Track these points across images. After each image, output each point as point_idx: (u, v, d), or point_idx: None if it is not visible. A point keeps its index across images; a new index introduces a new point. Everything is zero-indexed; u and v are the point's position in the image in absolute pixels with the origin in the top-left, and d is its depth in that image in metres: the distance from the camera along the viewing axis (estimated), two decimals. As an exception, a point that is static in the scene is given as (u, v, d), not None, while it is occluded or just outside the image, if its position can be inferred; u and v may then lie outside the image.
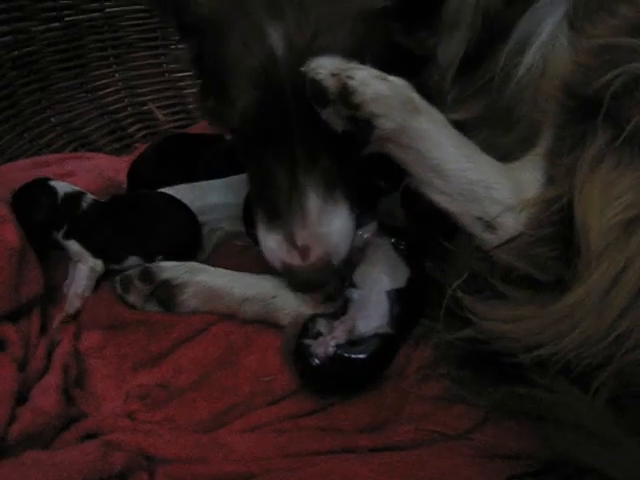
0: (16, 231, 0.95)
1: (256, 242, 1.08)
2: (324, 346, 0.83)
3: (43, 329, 0.95)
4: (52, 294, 1.01)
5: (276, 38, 0.80)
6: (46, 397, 0.81)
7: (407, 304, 0.90)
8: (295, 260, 0.86)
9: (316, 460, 0.78)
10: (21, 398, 0.81)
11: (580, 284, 0.70)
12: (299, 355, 0.86)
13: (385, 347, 0.87)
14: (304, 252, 0.86)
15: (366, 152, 0.82)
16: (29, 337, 0.91)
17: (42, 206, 1.04)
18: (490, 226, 0.77)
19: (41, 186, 1.07)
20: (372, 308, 0.88)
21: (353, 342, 0.85)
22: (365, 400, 0.86)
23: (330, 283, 0.92)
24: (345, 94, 0.74)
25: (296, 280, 0.90)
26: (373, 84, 0.75)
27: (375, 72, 0.76)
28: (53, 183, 1.08)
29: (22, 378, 0.83)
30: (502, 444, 0.77)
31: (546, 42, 0.85)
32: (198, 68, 0.97)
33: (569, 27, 0.81)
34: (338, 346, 0.83)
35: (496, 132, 0.88)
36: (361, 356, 0.84)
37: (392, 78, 0.77)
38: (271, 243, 0.89)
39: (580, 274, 0.70)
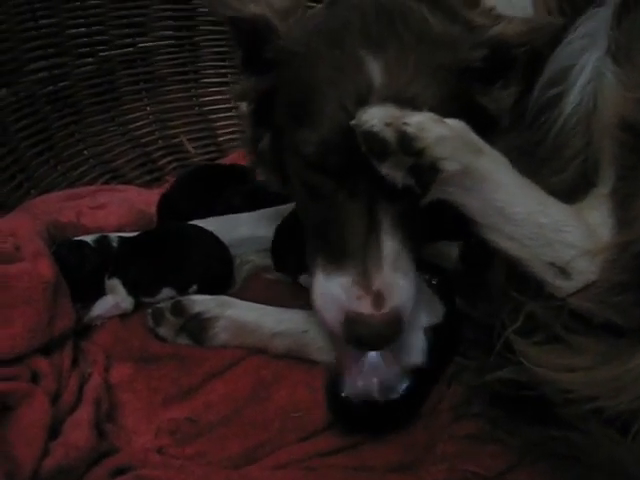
0: (50, 265, 0.96)
1: (287, 275, 1.10)
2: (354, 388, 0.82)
3: (75, 362, 0.95)
4: (83, 328, 1.01)
5: (375, 68, 0.77)
6: (78, 431, 0.81)
7: (444, 340, 0.88)
8: (366, 308, 0.75)
9: (347, 499, 0.77)
10: (53, 432, 0.81)
11: None
12: (330, 395, 0.85)
13: (421, 384, 0.85)
14: (378, 299, 0.75)
15: (425, 200, 0.76)
16: (61, 370, 0.91)
17: (86, 254, 1.06)
18: (564, 272, 0.74)
19: (70, 242, 1.09)
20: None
21: None
22: (396, 438, 0.85)
23: (394, 342, 0.80)
24: (405, 142, 0.70)
25: (362, 333, 0.76)
26: (432, 127, 0.71)
27: (430, 115, 0.72)
28: (78, 238, 1.10)
29: (54, 411, 0.83)
30: (538, 486, 0.76)
31: (591, 79, 0.82)
32: (263, 103, 0.92)
33: (613, 62, 0.78)
34: None
35: (540, 171, 0.84)
36: (395, 397, 0.83)
37: (449, 120, 0.73)
38: (335, 288, 0.78)
39: None
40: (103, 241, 1.09)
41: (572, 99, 0.84)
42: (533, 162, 0.86)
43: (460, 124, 0.74)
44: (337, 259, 0.78)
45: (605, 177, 0.77)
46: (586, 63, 0.83)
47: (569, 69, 0.85)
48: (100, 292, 1.05)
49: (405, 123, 0.70)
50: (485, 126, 0.84)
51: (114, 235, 1.12)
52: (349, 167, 0.77)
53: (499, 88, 0.85)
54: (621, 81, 0.76)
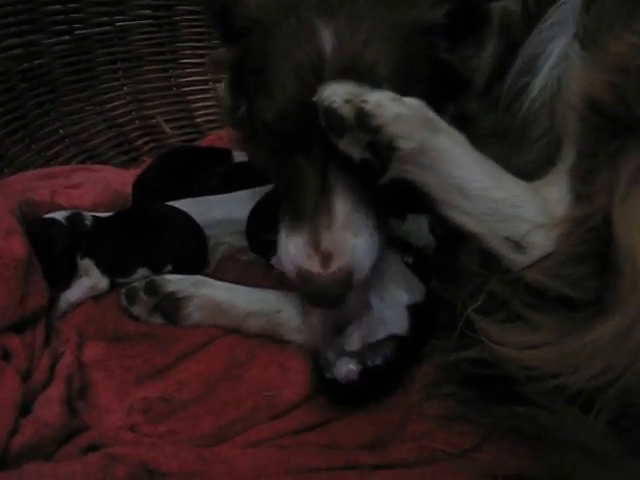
0: (23, 242, 0.95)
1: (261, 256, 1.10)
2: (345, 366, 0.83)
3: (47, 340, 0.95)
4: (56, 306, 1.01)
5: (326, 36, 0.79)
6: (49, 409, 0.81)
7: (425, 318, 0.90)
8: (314, 266, 0.78)
9: (317, 477, 0.78)
10: (24, 409, 0.81)
11: (621, 310, 0.68)
12: (318, 368, 0.87)
13: (402, 355, 0.87)
14: (326, 258, 0.78)
15: (385, 178, 0.79)
16: (33, 348, 0.91)
17: (58, 233, 1.05)
18: (519, 246, 0.75)
19: (41, 220, 1.07)
20: (390, 319, 0.88)
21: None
22: (367, 417, 0.86)
23: (344, 302, 0.82)
24: (362, 119, 0.72)
25: (311, 291, 0.80)
26: (390, 106, 0.73)
27: (390, 94, 0.74)
28: (47, 216, 1.09)
29: (25, 389, 0.83)
30: (503, 463, 0.77)
31: (557, 63, 0.84)
32: (236, 72, 0.95)
33: (580, 46, 0.79)
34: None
35: (509, 152, 0.86)
36: (378, 363, 0.84)
37: (407, 99, 0.75)
38: (291, 247, 0.81)
39: (623, 298, 0.68)
40: (75, 219, 1.08)
41: (538, 83, 0.85)
42: (504, 146, 0.88)
43: (418, 102, 0.76)
44: (295, 219, 0.82)
45: (566, 154, 0.78)
46: (554, 49, 0.85)
47: (538, 56, 0.87)
48: (72, 271, 1.04)
49: (364, 100, 0.72)
50: (455, 87, 0.88)
51: (88, 214, 1.11)
52: (304, 133, 0.80)
53: (469, 47, 0.87)
54: (586, 63, 0.77)
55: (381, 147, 0.74)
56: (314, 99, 0.75)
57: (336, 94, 0.73)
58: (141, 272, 1.05)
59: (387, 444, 0.84)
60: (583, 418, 0.70)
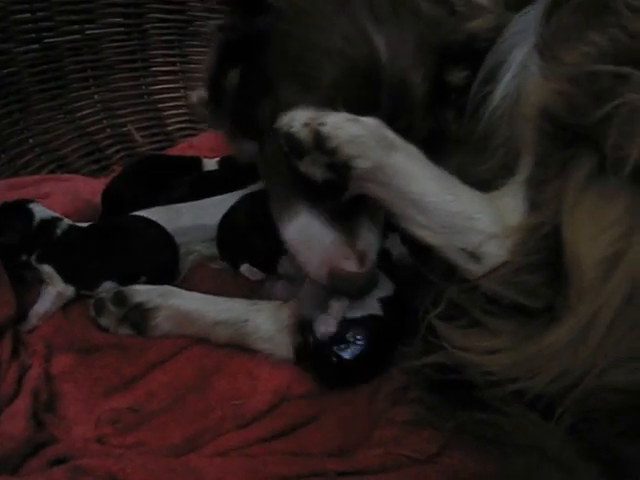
0: (-12, 254, 0.95)
1: (231, 265, 1.10)
2: (325, 324, 0.87)
3: (15, 353, 0.94)
4: (24, 317, 1.00)
5: (381, 44, 0.83)
6: (14, 422, 0.81)
7: (396, 307, 0.92)
8: (351, 266, 0.85)
9: (285, 484, 0.78)
10: (-10, 424, 0.81)
11: (571, 317, 0.70)
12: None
13: (381, 329, 0.90)
14: (361, 258, 0.85)
15: (346, 196, 0.82)
16: (0, 361, 0.90)
17: (14, 229, 1.05)
18: (474, 256, 0.77)
19: (18, 208, 1.08)
20: (366, 304, 0.91)
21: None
22: (335, 424, 0.87)
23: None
24: (319, 141, 0.75)
25: (347, 287, 0.87)
26: (346, 127, 0.76)
27: (347, 115, 0.77)
28: (32, 206, 1.08)
29: (-9, 403, 0.83)
30: (466, 468, 0.78)
31: (518, 72, 0.86)
32: (238, 39, 0.93)
33: (540, 57, 0.81)
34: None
35: (472, 160, 0.89)
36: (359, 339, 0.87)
37: (364, 119, 0.77)
38: (323, 244, 0.86)
39: (572, 306, 0.70)
40: (49, 223, 1.07)
41: (500, 92, 0.88)
42: (469, 153, 0.90)
43: (374, 122, 0.78)
44: (325, 214, 0.86)
45: (524, 165, 0.79)
46: (515, 58, 0.87)
47: (500, 65, 0.89)
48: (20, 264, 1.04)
49: (321, 123, 0.75)
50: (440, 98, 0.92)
51: (66, 223, 1.09)
52: None
53: (459, 69, 0.92)
54: (544, 74, 0.78)
55: (339, 167, 0.77)
56: (274, 126, 0.78)
57: (295, 119, 0.76)
58: (107, 285, 1.04)
59: (354, 450, 0.84)
60: (541, 423, 0.71)
